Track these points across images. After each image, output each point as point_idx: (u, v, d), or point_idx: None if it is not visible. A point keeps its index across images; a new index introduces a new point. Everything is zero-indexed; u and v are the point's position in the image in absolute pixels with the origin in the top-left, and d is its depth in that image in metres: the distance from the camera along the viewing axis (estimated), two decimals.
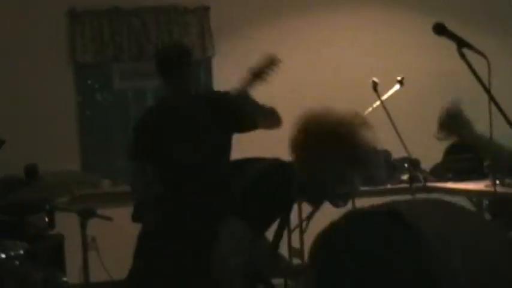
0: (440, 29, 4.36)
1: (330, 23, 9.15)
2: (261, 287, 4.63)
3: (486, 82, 4.08)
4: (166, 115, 5.38)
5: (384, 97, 7.07)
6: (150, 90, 8.81)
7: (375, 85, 7.15)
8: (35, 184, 5.52)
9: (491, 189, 6.76)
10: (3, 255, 4.41)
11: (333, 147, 4.07)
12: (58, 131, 8.41)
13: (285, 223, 4.56)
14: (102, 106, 8.88)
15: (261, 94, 5.20)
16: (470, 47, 4.25)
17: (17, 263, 4.47)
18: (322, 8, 9.15)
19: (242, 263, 4.37)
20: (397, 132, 6.64)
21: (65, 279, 5.93)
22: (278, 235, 4.47)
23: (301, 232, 6.93)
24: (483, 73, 4.03)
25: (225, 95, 5.41)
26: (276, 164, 4.51)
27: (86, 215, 5.74)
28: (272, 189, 4.35)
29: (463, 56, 4.19)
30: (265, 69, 5.12)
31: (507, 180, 6.83)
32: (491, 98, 4.19)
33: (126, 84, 8.89)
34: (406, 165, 7.51)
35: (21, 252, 4.71)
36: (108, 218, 5.83)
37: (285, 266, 4.79)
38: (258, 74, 5.13)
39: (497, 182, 6.79)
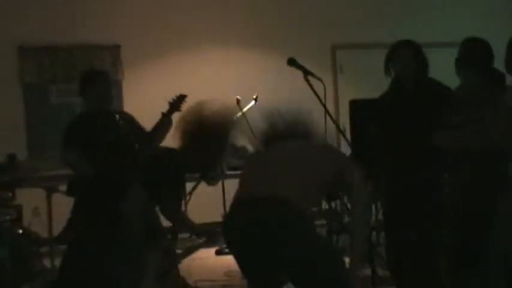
0: (292, 62, 4.64)
1: (211, 59, 9.20)
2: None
3: (323, 99, 4.42)
4: (91, 121, 5.38)
5: (244, 109, 7.26)
6: (77, 105, 8.83)
7: (238, 101, 7.33)
8: (16, 168, 5.45)
9: None
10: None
11: (208, 134, 4.28)
12: (11, 131, 8.36)
13: (180, 193, 4.82)
14: (42, 114, 8.79)
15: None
16: (312, 75, 4.55)
17: (9, 224, 4.43)
18: (204, 48, 9.18)
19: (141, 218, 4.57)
20: (253, 133, 6.82)
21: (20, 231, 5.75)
22: (175, 201, 4.72)
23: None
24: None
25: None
26: (165, 149, 4.77)
27: (51, 190, 5.78)
28: (161, 166, 4.53)
29: (308, 81, 4.49)
30: (179, 102, 5.36)
31: None
32: (326, 110, 4.53)
33: (59, 100, 8.87)
34: None
35: (10, 217, 4.55)
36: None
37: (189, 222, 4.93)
38: (175, 105, 5.35)
39: None
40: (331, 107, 8.76)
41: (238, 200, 3.48)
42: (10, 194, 5.97)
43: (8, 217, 4.51)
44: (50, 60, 8.74)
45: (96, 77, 5.60)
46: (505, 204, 3.91)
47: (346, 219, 7.30)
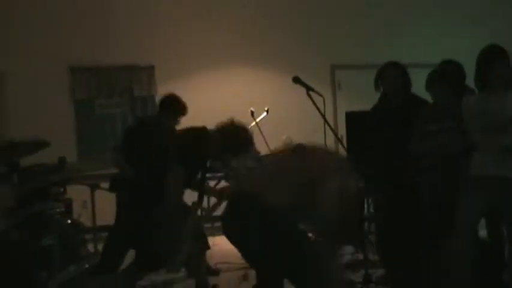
0: (296, 80, 4.60)
1: (229, 77, 9.18)
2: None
3: (323, 111, 4.40)
4: (136, 130, 5.43)
5: (257, 119, 7.23)
6: (117, 115, 8.92)
7: (252, 113, 7.30)
8: (65, 169, 5.42)
9: None
10: (50, 211, 4.27)
11: None
12: (64, 138, 8.25)
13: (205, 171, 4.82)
14: (89, 124, 8.83)
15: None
16: (314, 90, 4.53)
17: (59, 216, 4.33)
18: (224, 67, 9.13)
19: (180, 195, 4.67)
20: (264, 140, 6.80)
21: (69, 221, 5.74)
22: (203, 177, 4.78)
23: None
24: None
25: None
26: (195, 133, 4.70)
27: (94, 187, 5.83)
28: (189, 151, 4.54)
29: (310, 96, 4.47)
30: None
31: None
32: (325, 121, 4.51)
33: (102, 111, 8.89)
34: None
35: (60, 210, 4.45)
36: (106, 189, 5.69)
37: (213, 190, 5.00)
38: None
39: None
40: (330, 119, 8.75)
41: None
42: (62, 190, 5.98)
43: (58, 210, 4.46)
44: (96, 79, 8.78)
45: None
46: (464, 194, 3.98)
47: None
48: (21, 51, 8.41)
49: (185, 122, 5.40)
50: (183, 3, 9.15)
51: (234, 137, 4.03)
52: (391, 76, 5.04)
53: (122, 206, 5.33)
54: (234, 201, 3.31)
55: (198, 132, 4.71)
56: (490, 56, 3.99)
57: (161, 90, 8.72)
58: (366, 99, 5.42)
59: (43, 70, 8.49)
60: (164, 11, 9.04)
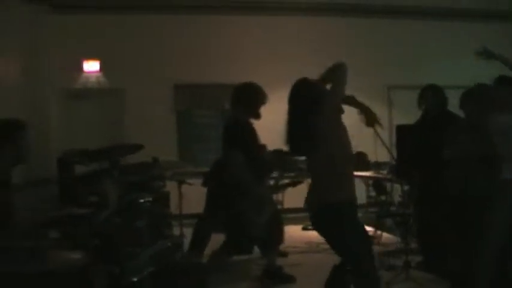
0: (348, 98, 4.38)
1: None
2: None
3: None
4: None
5: None
6: (210, 124, 8.92)
7: None
8: (157, 166, 5.43)
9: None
10: (141, 200, 4.32)
11: None
12: (168, 142, 8.62)
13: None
14: (188, 130, 8.95)
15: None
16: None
17: (149, 204, 4.27)
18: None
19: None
20: None
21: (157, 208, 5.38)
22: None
23: None
24: None
25: None
26: None
27: (181, 182, 5.90)
28: None
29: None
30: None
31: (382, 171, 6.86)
32: (376, 133, 4.26)
33: (198, 121, 9.01)
34: None
35: (151, 199, 4.32)
36: (190, 184, 5.88)
37: None
38: None
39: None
40: (386, 131, 8.61)
41: None
42: (162, 184, 5.93)
43: (148, 199, 4.39)
44: (194, 94, 8.93)
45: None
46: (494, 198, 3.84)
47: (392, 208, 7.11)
48: (136, 73, 8.65)
49: (264, 136, 4.94)
50: (263, 40, 9.20)
51: None
52: (429, 96, 4.99)
53: (210, 197, 5.29)
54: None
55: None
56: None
57: None
58: (415, 114, 5.30)
59: (153, 87, 8.71)
60: (245, 43, 9.16)
